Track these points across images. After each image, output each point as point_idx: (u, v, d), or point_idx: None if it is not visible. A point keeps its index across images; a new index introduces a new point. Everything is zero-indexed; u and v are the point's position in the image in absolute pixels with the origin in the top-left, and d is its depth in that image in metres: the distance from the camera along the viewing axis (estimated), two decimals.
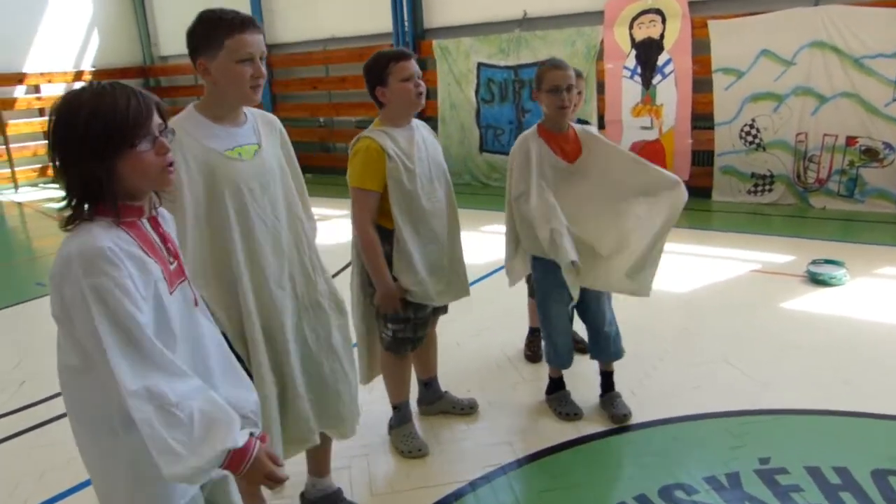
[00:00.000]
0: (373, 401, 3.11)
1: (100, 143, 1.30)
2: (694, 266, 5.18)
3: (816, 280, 4.59)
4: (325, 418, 2.22)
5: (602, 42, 7.65)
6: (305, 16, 10.24)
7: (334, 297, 2.25)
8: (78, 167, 1.33)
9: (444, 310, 2.97)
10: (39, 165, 10.92)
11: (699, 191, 7.42)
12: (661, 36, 7.27)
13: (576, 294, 2.66)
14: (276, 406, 2.05)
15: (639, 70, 7.49)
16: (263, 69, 1.94)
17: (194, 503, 1.48)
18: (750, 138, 7.01)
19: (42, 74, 10.72)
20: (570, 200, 2.79)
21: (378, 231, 2.60)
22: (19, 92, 10.56)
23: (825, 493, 2.47)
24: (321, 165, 10.20)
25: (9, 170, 10.28)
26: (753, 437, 2.84)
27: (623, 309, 4.07)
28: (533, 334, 3.69)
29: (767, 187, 7.06)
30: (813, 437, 2.85)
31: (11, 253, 7.41)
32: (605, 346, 3.02)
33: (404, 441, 2.86)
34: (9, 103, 10.38)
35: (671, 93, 7.33)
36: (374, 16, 9.41)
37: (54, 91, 10.83)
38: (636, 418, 3.04)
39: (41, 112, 10.66)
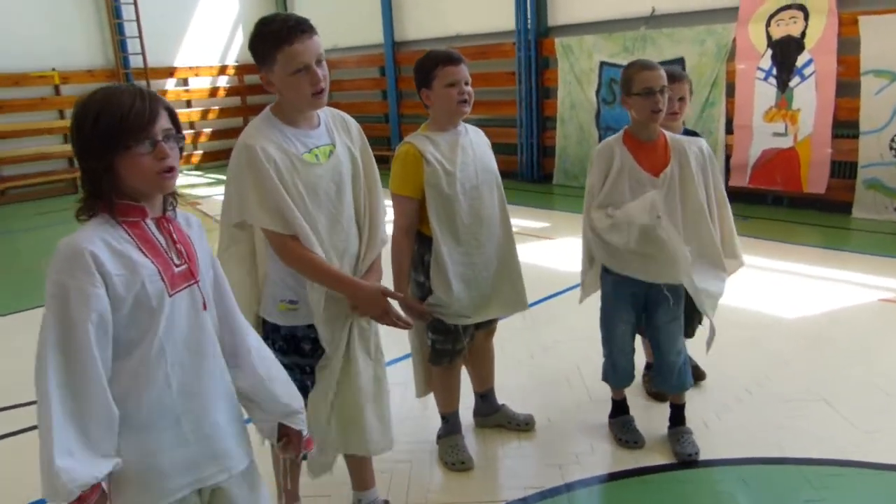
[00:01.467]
0: (427, 407, 3.05)
1: (99, 142, 1.35)
2: (813, 289, 4.69)
3: None
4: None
5: (734, 40, 7.11)
6: (432, 13, 10.37)
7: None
8: (83, 163, 1.40)
9: (491, 322, 2.84)
10: (184, 153, 11.88)
11: (837, 206, 6.76)
12: (803, 34, 6.64)
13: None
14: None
15: (774, 71, 6.89)
16: (320, 72, 1.93)
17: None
18: None
19: (190, 68, 11.63)
20: None
21: (420, 239, 2.56)
22: (170, 84, 11.54)
23: None
24: None
25: None
26: (836, 492, 2.50)
27: (699, 331, 3.79)
28: (649, 369, 3.34)
29: None
30: None
31: None
32: (667, 376, 2.79)
33: (449, 452, 2.79)
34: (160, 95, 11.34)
35: (810, 97, 6.68)
36: (497, 13, 9.34)
37: (201, 84, 11.73)
38: (705, 454, 2.78)
39: (188, 104, 11.59)
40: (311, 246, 1.96)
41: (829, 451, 2.75)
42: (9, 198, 9.86)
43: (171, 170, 1.41)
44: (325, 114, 2.11)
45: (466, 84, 2.48)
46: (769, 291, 4.66)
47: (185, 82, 11.69)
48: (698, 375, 3.25)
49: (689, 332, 3.25)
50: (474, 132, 2.67)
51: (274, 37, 1.89)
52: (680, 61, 7.58)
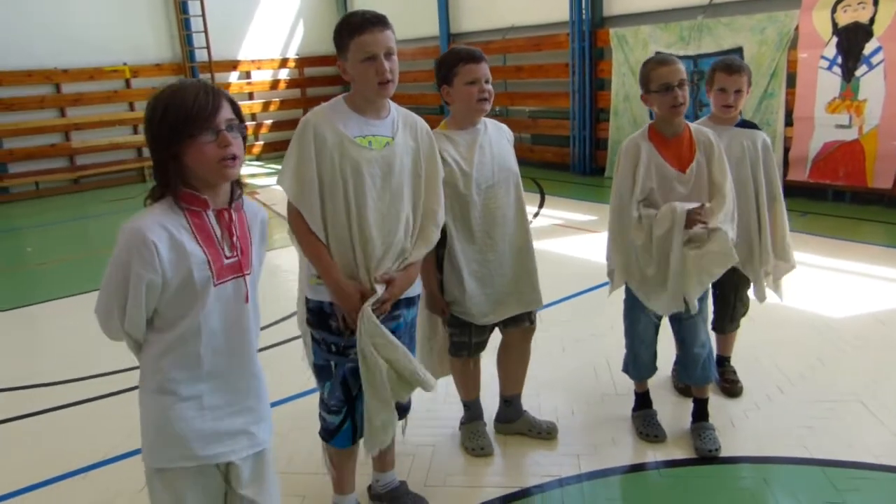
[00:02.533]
0: (448, 394, 3.11)
1: (166, 132, 1.48)
2: (867, 289, 4.52)
3: None
4: None
5: (797, 28, 6.85)
6: (487, 5, 10.35)
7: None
8: (153, 153, 1.53)
9: (520, 321, 2.77)
10: (248, 144, 12.28)
11: None
12: (871, 20, 6.34)
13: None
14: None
15: (839, 60, 6.61)
16: (388, 65, 2.02)
17: (202, 472, 1.63)
18: None
19: (252, 62, 11.98)
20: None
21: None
22: (233, 77, 11.92)
23: None
24: None
25: None
26: (860, 494, 2.45)
27: (750, 328, 3.72)
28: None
29: None
30: None
31: None
32: (691, 368, 2.76)
33: (471, 438, 2.84)
34: (223, 88, 11.68)
35: (878, 86, 6.38)
36: (552, 4, 9.26)
37: (263, 77, 12.08)
38: (729, 451, 2.75)
39: (250, 96, 11.95)
40: (314, 227, 2.05)
41: (858, 454, 2.68)
42: (82, 185, 10.43)
43: (234, 158, 1.51)
44: (397, 112, 2.20)
45: (487, 82, 2.49)
46: (820, 290, 4.51)
47: (247, 75, 12.06)
48: (734, 392, 3.19)
49: (733, 326, 3.20)
50: (495, 129, 2.66)
51: (351, 27, 2.03)
52: (738, 51, 7.36)
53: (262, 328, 3.90)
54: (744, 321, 3.48)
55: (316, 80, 12.44)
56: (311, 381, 2.43)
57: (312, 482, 2.57)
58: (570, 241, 6.11)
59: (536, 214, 7.16)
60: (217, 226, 1.56)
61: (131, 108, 10.95)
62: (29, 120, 9.98)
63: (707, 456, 2.69)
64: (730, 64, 2.91)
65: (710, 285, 3.11)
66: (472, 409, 2.89)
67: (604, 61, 8.95)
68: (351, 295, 2.07)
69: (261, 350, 4.17)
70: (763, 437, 2.85)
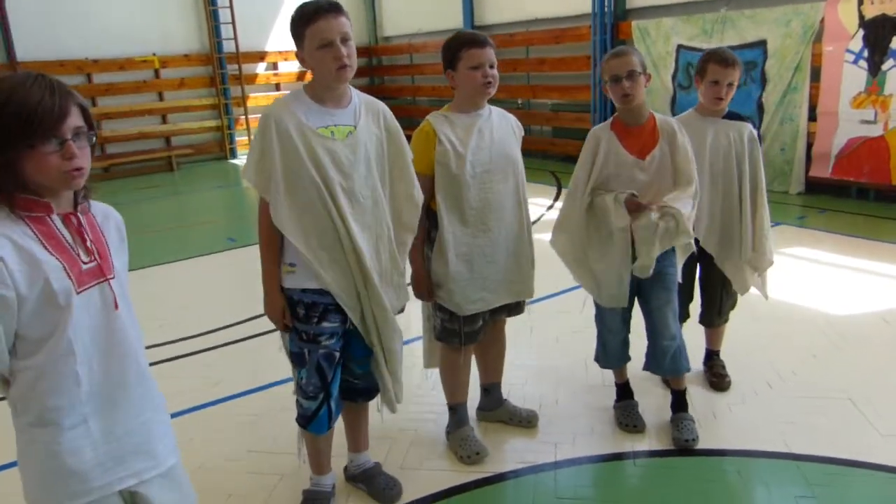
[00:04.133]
0: (429, 377, 3.15)
1: (1, 136, 1.29)
2: (873, 287, 4.44)
3: None
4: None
5: (822, 21, 6.71)
6: None
7: (401, 290, 2.36)
8: None
9: (507, 311, 2.79)
10: None
11: None
12: None
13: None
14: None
15: (866, 54, 6.45)
16: (345, 50, 2.06)
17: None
18: None
19: (280, 53, 12.13)
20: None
21: (429, 215, 2.57)
22: (260, 69, 12.09)
23: None
24: None
25: (246, 137, 11.82)
26: (832, 489, 2.43)
27: (749, 323, 3.70)
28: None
29: None
30: None
31: (236, 209, 8.58)
32: (659, 359, 2.76)
33: (462, 446, 2.73)
34: (250, 78, 11.93)
35: None
36: None
37: (290, 68, 12.22)
38: (708, 444, 2.75)
39: (277, 87, 12.11)
40: (277, 219, 2.09)
41: (838, 451, 2.66)
42: (113, 174, 10.71)
43: (79, 171, 1.35)
44: (360, 99, 2.24)
45: (491, 67, 2.50)
46: (829, 287, 4.45)
47: (274, 66, 12.22)
48: (721, 387, 3.17)
49: (720, 319, 3.19)
50: (500, 117, 2.65)
51: (305, 15, 2.07)
52: (762, 44, 7.24)
53: (249, 320, 4.09)
54: (744, 316, 3.49)
55: None
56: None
57: (292, 462, 2.63)
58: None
59: (550, 207, 7.15)
60: (66, 231, 1.40)
61: (160, 97, 11.21)
62: None
63: (682, 446, 2.69)
64: (724, 56, 2.89)
65: (698, 280, 3.13)
66: (459, 415, 2.80)
67: None
68: (277, 310, 2.19)
69: (252, 337, 4.23)
70: (744, 431, 2.84)
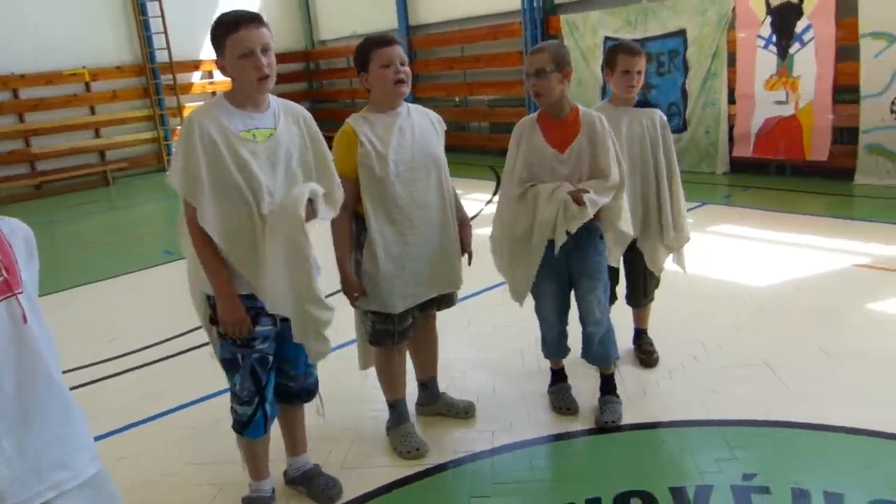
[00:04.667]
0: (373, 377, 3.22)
1: None
2: (792, 258, 4.70)
3: None
4: None
5: (734, 9, 7.00)
6: None
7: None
8: None
9: (438, 305, 2.85)
10: None
11: (839, 172, 6.65)
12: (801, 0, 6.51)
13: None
14: None
15: (774, 38, 6.78)
16: (265, 60, 2.12)
17: None
18: None
19: (214, 61, 11.91)
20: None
21: (357, 219, 2.63)
22: (195, 77, 11.93)
23: None
24: (456, 145, 10.39)
25: None
26: (751, 450, 2.60)
27: (675, 300, 3.87)
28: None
29: None
30: (821, 457, 2.55)
31: (174, 221, 8.47)
32: (587, 347, 2.89)
33: (402, 442, 2.78)
34: (186, 88, 11.76)
35: (810, 63, 6.56)
36: None
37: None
38: (638, 418, 2.90)
39: (213, 95, 11.94)
40: (204, 223, 2.13)
41: (756, 414, 2.83)
42: (45, 191, 10.42)
43: None
44: (278, 104, 2.29)
45: (403, 64, 2.56)
46: (749, 261, 4.69)
47: (209, 74, 12.05)
48: (649, 363, 3.33)
49: (646, 300, 3.33)
50: (420, 115, 2.71)
51: (226, 25, 2.12)
52: (682, 33, 7.51)
53: (186, 333, 4.07)
54: (670, 294, 3.65)
55: (280, 78, 12.38)
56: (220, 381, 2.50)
57: (232, 471, 2.65)
58: None
59: (489, 201, 7.28)
60: None
61: (92, 111, 10.95)
62: None
63: (604, 427, 2.82)
64: (631, 47, 3.04)
65: (622, 261, 3.26)
66: (398, 411, 2.85)
67: None
68: (238, 316, 2.17)
69: (191, 350, 4.19)
70: (671, 403, 3.00)
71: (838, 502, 2.27)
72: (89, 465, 1.58)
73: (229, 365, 2.29)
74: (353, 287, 2.62)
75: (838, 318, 3.68)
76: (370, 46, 2.57)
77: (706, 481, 2.44)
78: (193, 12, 11.59)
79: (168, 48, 11.21)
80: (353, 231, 2.64)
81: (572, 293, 2.90)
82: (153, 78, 11.34)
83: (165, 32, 11.14)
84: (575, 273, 2.81)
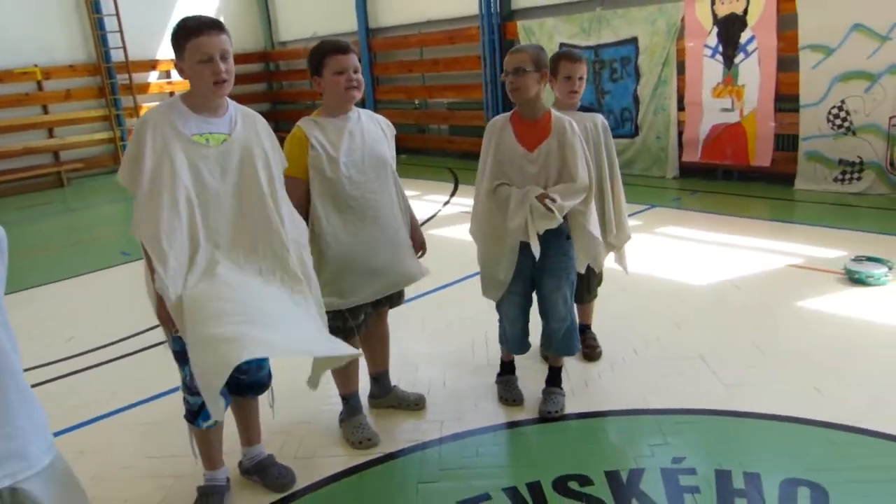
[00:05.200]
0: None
1: None
2: (731, 258, 4.94)
3: (853, 278, 4.22)
4: None
5: (683, 19, 7.28)
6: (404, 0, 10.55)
7: (295, 275, 2.36)
8: None
9: (389, 302, 2.96)
10: None
11: (781, 177, 6.97)
12: (745, 11, 6.81)
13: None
14: None
15: (720, 48, 7.07)
16: (223, 66, 2.18)
17: None
18: (839, 121, 6.42)
19: (172, 61, 11.85)
20: (519, 184, 2.82)
21: (306, 217, 2.67)
22: (152, 77, 11.81)
23: (721, 497, 2.39)
24: (416, 147, 10.53)
25: None
26: (681, 436, 2.77)
27: (619, 298, 4.05)
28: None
29: (856, 175, 6.45)
30: (744, 442, 2.72)
31: (130, 222, 8.40)
32: (551, 340, 3.00)
33: (354, 432, 2.89)
34: (143, 88, 11.63)
35: (754, 72, 6.86)
36: None
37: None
38: (579, 409, 3.05)
39: (171, 95, 11.85)
40: (149, 222, 2.17)
41: (689, 403, 3.01)
42: None
43: None
44: (235, 110, 2.35)
45: (355, 72, 2.64)
46: (692, 262, 4.91)
47: (167, 74, 11.95)
48: (592, 357, 3.50)
49: (590, 296, 3.50)
50: (370, 119, 2.81)
51: (187, 30, 2.18)
52: (634, 41, 7.76)
53: (142, 332, 4.11)
54: (615, 292, 3.82)
55: (239, 79, 12.34)
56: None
57: (188, 464, 2.70)
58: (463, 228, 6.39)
59: (447, 203, 7.41)
60: None
61: (45, 111, 10.76)
62: None
63: (546, 417, 2.97)
64: (572, 54, 3.18)
65: None
66: (351, 404, 2.96)
67: None
68: (164, 312, 2.20)
69: (146, 349, 4.21)
70: (611, 394, 3.16)
71: (756, 481, 2.46)
72: (44, 455, 1.64)
73: (179, 357, 2.34)
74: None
75: (770, 315, 3.90)
76: (325, 52, 2.63)
77: (639, 465, 2.61)
78: (150, 12, 11.53)
79: (124, 47, 11.09)
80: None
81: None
82: (108, 77, 11.20)
83: (121, 31, 11.01)
84: (540, 272, 2.89)
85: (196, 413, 2.41)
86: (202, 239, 2.23)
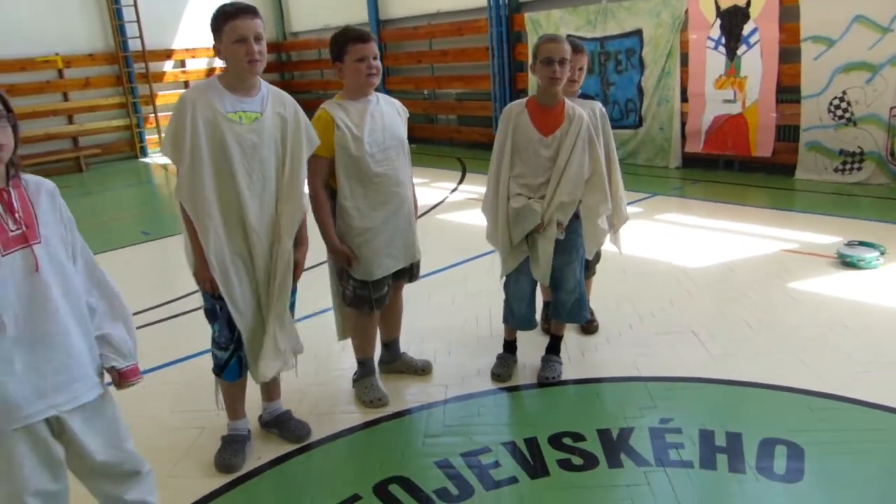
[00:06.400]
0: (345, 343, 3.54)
1: None
2: (727, 242, 5.12)
3: (845, 262, 4.40)
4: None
5: (687, 11, 7.43)
6: None
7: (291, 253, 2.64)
8: None
9: (407, 277, 3.18)
10: None
11: (782, 168, 7.12)
12: (748, 3, 6.95)
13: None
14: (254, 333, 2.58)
15: (723, 40, 7.22)
16: (256, 47, 2.39)
17: (30, 432, 1.72)
18: (839, 112, 6.57)
19: (187, 50, 12.13)
20: (532, 167, 3.02)
21: (332, 192, 2.91)
22: (168, 66, 12.05)
23: (703, 453, 2.59)
24: (425, 136, 10.73)
25: (157, 136, 11.76)
26: (670, 400, 2.97)
27: (618, 278, 4.25)
28: (548, 309, 3.70)
29: (856, 165, 6.60)
30: (728, 406, 2.93)
31: (150, 205, 8.66)
32: (559, 309, 3.20)
33: (366, 392, 3.12)
34: (158, 76, 11.87)
35: (756, 64, 7.01)
36: None
37: (198, 66, 12.23)
38: (575, 375, 3.26)
39: (186, 84, 12.08)
40: (192, 191, 2.41)
41: (678, 372, 3.21)
42: None
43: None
44: (267, 90, 2.57)
45: (375, 59, 2.84)
46: (689, 247, 5.10)
47: (182, 64, 12.19)
48: (590, 330, 3.70)
49: (588, 273, 3.68)
50: (387, 103, 3.01)
51: (225, 14, 2.40)
52: (638, 32, 7.92)
53: (169, 302, 4.35)
54: (614, 273, 4.02)
55: None
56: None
57: (210, 417, 2.97)
58: (479, 213, 6.59)
59: (454, 190, 7.61)
60: None
61: (65, 98, 11.02)
62: None
63: (544, 382, 3.18)
64: (574, 44, 3.31)
65: None
66: (366, 367, 3.18)
67: (521, 44, 9.43)
68: (206, 272, 2.47)
69: (173, 317, 4.42)
70: (606, 364, 3.37)
71: (737, 439, 2.66)
72: (88, 393, 1.82)
73: (210, 315, 2.59)
74: (343, 254, 2.89)
75: (762, 295, 4.09)
76: (347, 40, 2.82)
77: (629, 424, 2.81)
78: (166, 2, 11.77)
79: (141, 37, 11.32)
80: (331, 204, 2.89)
81: None
82: (126, 66, 11.45)
83: (138, 21, 11.24)
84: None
85: (223, 367, 2.64)
86: (232, 209, 2.48)
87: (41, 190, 1.79)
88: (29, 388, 1.70)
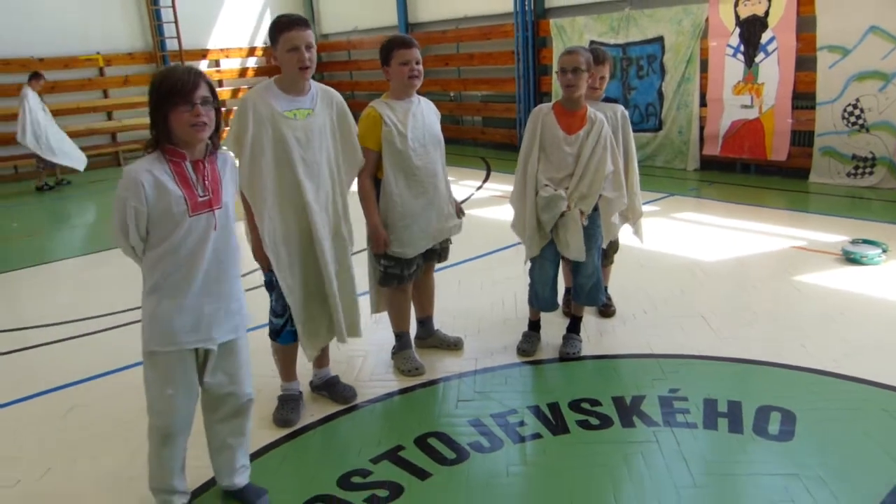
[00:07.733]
0: (379, 318, 3.89)
1: (157, 100, 2.04)
2: (739, 239, 5.41)
3: (849, 258, 4.67)
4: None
5: (707, 20, 7.71)
6: None
7: (350, 233, 3.05)
8: (150, 115, 2.08)
9: (438, 256, 3.52)
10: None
11: (797, 172, 7.38)
12: (766, 13, 7.22)
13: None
14: (303, 305, 2.93)
15: (742, 48, 7.49)
16: (307, 55, 2.74)
17: (182, 356, 2.20)
18: (853, 119, 6.82)
19: (221, 50, 12.60)
20: (556, 162, 3.35)
21: (377, 182, 3.28)
22: (203, 66, 12.49)
23: (706, 417, 2.91)
24: (451, 137, 11.02)
25: None
26: (679, 374, 3.29)
27: (636, 270, 4.57)
28: (568, 294, 4.02)
29: (868, 170, 6.84)
30: (731, 379, 3.23)
31: None
32: (578, 292, 3.54)
33: (404, 363, 3.47)
34: None
35: (773, 71, 7.28)
36: None
37: (231, 65, 12.69)
38: (594, 352, 3.58)
39: (220, 83, 12.55)
40: (252, 181, 2.76)
41: (687, 350, 3.53)
42: (62, 168, 10.95)
43: (203, 124, 2.04)
44: (317, 88, 2.92)
45: (417, 63, 3.19)
46: (705, 243, 5.39)
47: (216, 63, 12.66)
48: (607, 314, 4.03)
49: (607, 262, 4.00)
50: (426, 104, 3.37)
51: (280, 25, 2.76)
52: (660, 39, 8.21)
53: None
54: (632, 265, 4.32)
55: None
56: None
57: (267, 381, 3.32)
58: (505, 209, 6.91)
59: (479, 188, 7.95)
60: (193, 173, 2.09)
61: (105, 95, 11.52)
62: (7, 107, 10.47)
63: (565, 357, 3.52)
64: (597, 54, 3.65)
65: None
66: (403, 339, 3.53)
67: (546, 49, 9.76)
68: (263, 253, 2.83)
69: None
70: (622, 343, 3.69)
71: (737, 407, 2.97)
72: (230, 333, 2.29)
73: (268, 286, 2.95)
74: (381, 240, 3.25)
75: (767, 286, 4.38)
76: (393, 46, 3.18)
77: (641, 392, 3.13)
78: (203, 3, 12.23)
79: (178, 37, 11.80)
80: (376, 193, 3.25)
81: None
82: (163, 65, 11.92)
83: (176, 22, 11.73)
84: None
85: (278, 332, 2.99)
86: (291, 194, 2.83)
87: (227, 163, 2.23)
88: (188, 322, 2.16)
